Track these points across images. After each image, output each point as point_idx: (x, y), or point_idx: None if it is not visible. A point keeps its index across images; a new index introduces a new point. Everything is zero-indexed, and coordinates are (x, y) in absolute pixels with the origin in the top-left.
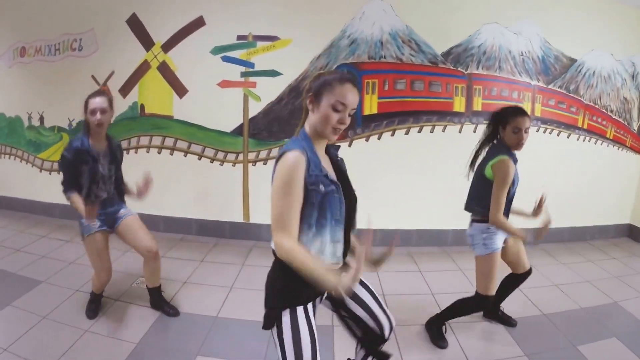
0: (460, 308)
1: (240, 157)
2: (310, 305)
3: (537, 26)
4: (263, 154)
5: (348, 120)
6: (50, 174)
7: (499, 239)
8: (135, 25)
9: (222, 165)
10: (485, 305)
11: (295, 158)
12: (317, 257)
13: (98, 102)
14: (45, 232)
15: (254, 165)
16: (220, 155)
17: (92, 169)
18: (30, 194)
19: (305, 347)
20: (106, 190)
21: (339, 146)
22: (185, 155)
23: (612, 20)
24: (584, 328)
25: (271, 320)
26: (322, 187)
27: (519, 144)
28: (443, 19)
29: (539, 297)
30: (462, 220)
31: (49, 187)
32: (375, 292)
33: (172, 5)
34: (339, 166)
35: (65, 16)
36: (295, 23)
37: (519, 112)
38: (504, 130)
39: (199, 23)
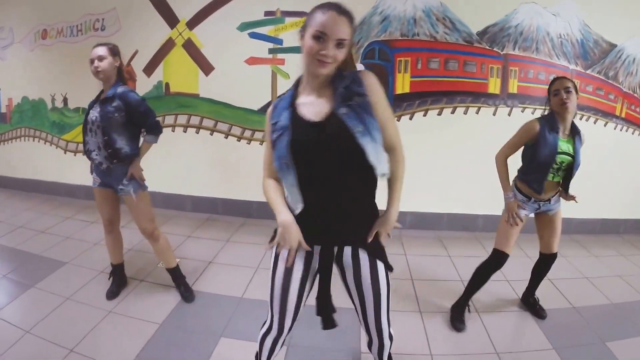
0: (481, 271)
1: None
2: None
3: (577, 8)
4: None
5: (334, 52)
6: (75, 155)
7: (522, 208)
8: (159, 2)
9: (249, 144)
10: (500, 262)
11: (267, 113)
12: (280, 196)
13: (96, 50)
14: (70, 214)
15: None
16: (248, 133)
17: (85, 116)
18: (55, 175)
19: (278, 280)
20: (96, 143)
21: (357, 74)
22: (211, 134)
23: None
24: (614, 324)
25: (272, 239)
26: (274, 135)
27: (562, 105)
28: None
29: (569, 289)
30: (492, 205)
31: (73, 169)
32: (382, 297)
33: None
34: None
35: None
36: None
37: (557, 77)
38: (549, 100)
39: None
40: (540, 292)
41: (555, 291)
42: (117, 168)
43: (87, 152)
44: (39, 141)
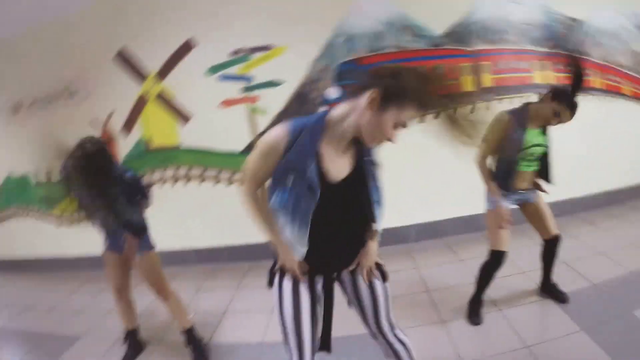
0: (484, 272)
1: None
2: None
3: None
4: None
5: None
6: (69, 227)
7: (504, 202)
8: (125, 59)
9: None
10: (500, 261)
11: (274, 134)
12: (273, 223)
13: None
14: (75, 287)
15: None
16: (237, 176)
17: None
18: (54, 251)
19: (287, 314)
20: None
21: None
22: (200, 183)
23: None
24: (638, 292)
25: (269, 279)
26: (289, 180)
27: (546, 122)
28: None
29: (585, 267)
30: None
31: (70, 241)
32: (379, 303)
33: (159, 33)
34: (361, 169)
35: (53, 65)
36: (287, 29)
37: (571, 105)
38: (546, 101)
39: (189, 45)
40: (557, 276)
41: (572, 272)
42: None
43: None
44: (30, 217)
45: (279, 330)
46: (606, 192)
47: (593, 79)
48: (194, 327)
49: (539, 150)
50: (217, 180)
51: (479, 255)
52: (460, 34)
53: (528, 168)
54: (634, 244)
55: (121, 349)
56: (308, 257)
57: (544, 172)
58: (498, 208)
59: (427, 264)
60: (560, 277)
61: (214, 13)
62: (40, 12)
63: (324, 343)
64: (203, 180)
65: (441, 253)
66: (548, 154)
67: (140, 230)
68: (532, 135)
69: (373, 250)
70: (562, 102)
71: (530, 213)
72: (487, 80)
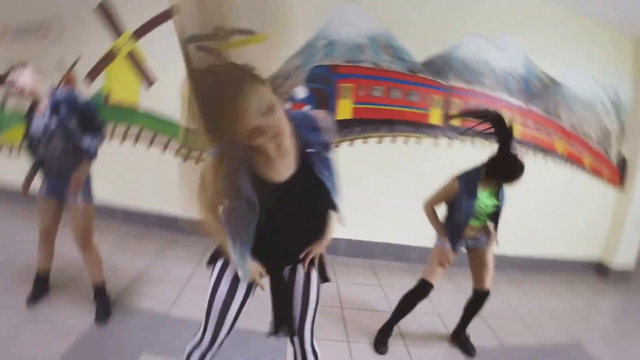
0: (406, 300)
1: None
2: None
3: (522, 44)
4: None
5: (267, 125)
6: (9, 155)
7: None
8: (105, 12)
9: (184, 161)
10: (425, 292)
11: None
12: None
13: (9, 78)
14: None
15: None
16: (185, 149)
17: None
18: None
19: (219, 295)
20: (50, 155)
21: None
22: (148, 147)
23: (598, 46)
24: None
25: (210, 260)
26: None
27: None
28: (425, 27)
29: (500, 326)
30: (428, 238)
31: (9, 170)
32: (309, 309)
33: None
34: (306, 163)
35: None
36: (272, 20)
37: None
38: (502, 166)
39: (171, 12)
40: (470, 327)
41: (485, 328)
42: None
43: (39, 164)
44: None
45: (205, 304)
46: (541, 258)
47: (558, 143)
48: (105, 284)
49: (489, 209)
50: (165, 147)
51: (401, 284)
52: (439, 66)
53: (477, 223)
54: (553, 317)
55: (25, 287)
56: (258, 257)
57: (494, 224)
58: (445, 248)
59: (346, 280)
60: (473, 328)
61: None
62: None
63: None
64: (151, 144)
65: (364, 273)
66: (499, 212)
67: (92, 156)
68: (483, 197)
69: (327, 239)
70: (501, 167)
71: (475, 259)
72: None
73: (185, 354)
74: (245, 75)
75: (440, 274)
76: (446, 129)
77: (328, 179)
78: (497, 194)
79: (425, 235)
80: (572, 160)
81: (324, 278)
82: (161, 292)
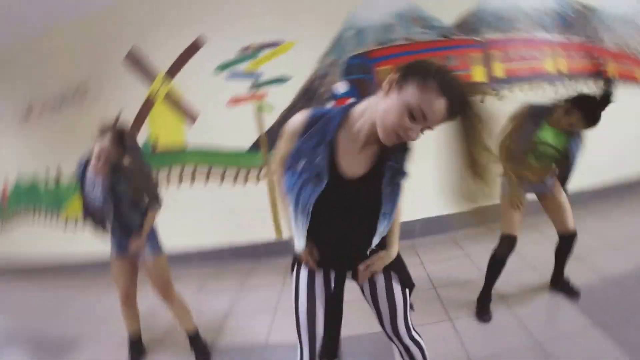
0: (494, 260)
1: (263, 172)
2: (323, 274)
3: None
4: None
5: (416, 136)
6: (74, 233)
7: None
8: (135, 59)
9: (245, 184)
10: (510, 245)
11: (295, 119)
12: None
13: (95, 151)
14: (78, 291)
15: None
16: (242, 174)
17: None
18: (59, 255)
19: (302, 306)
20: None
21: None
22: (206, 182)
23: None
24: None
25: (292, 268)
26: (299, 165)
27: (558, 124)
28: None
29: (596, 261)
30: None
31: (76, 246)
32: (397, 307)
33: (168, 32)
34: (379, 173)
35: (63, 67)
36: (296, 24)
37: (590, 119)
38: (565, 106)
39: (198, 44)
40: (567, 270)
41: (582, 266)
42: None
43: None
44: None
45: (294, 322)
46: (619, 183)
47: (608, 67)
48: (198, 329)
49: (550, 151)
50: (222, 178)
51: (486, 250)
52: (470, 24)
53: (537, 163)
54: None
55: (122, 354)
56: (317, 249)
57: (562, 176)
58: (512, 190)
59: (432, 259)
60: (570, 271)
61: (222, 10)
62: (51, 16)
63: (328, 350)
64: (208, 179)
65: (447, 248)
66: (568, 160)
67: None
68: (548, 135)
69: (382, 256)
70: (581, 113)
71: (547, 205)
72: (499, 70)
73: None
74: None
75: (518, 221)
76: (492, 83)
77: (388, 199)
78: (568, 140)
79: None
80: (627, 78)
81: (409, 284)
82: (254, 323)
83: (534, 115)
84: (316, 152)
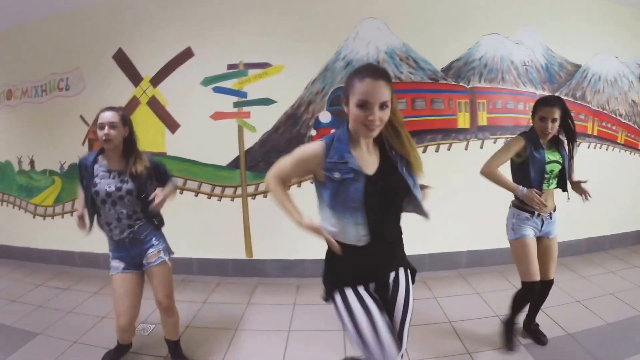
0: (516, 302)
1: (239, 191)
2: (360, 287)
3: (539, 34)
4: (262, 187)
5: (379, 114)
6: (44, 219)
7: (528, 228)
8: (122, 60)
9: (219, 200)
10: (533, 290)
11: (311, 147)
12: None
13: (107, 116)
14: (42, 281)
15: (254, 198)
16: (218, 190)
17: (87, 186)
18: (26, 241)
19: (360, 317)
20: (118, 217)
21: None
22: (181, 193)
23: (615, 24)
24: (612, 345)
25: (327, 297)
26: (336, 175)
27: (543, 132)
28: (440, 34)
29: (561, 315)
30: (475, 241)
31: (44, 233)
32: (408, 311)
33: (158, 38)
34: (388, 162)
35: (50, 56)
36: (286, 49)
37: (546, 102)
38: (533, 119)
39: (187, 54)
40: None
41: (547, 320)
42: (141, 229)
43: (103, 226)
44: (7, 205)
45: (255, 343)
46: (588, 238)
47: (588, 125)
48: (180, 339)
49: (556, 167)
50: (197, 192)
51: (454, 294)
52: (459, 69)
53: (549, 186)
54: (612, 295)
55: (78, 353)
56: (362, 255)
57: (563, 188)
58: (528, 193)
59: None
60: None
61: (214, 25)
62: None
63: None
64: (183, 190)
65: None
66: (565, 170)
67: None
68: (547, 153)
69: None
70: (536, 104)
71: (542, 250)
72: (483, 118)
73: None
74: (387, 74)
75: (535, 265)
76: (476, 131)
77: (408, 176)
78: (560, 152)
79: (470, 240)
80: (606, 138)
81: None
82: (213, 338)
83: (532, 140)
84: (345, 160)
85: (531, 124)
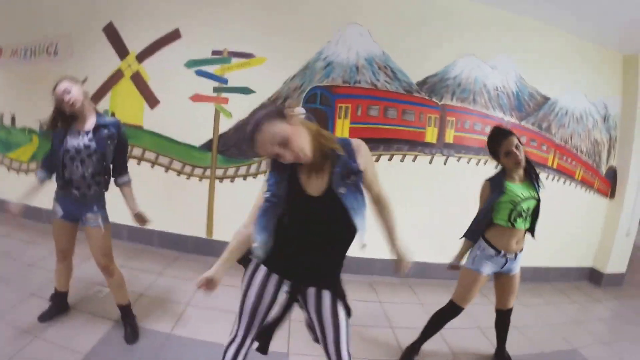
0: (437, 318)
1: (208, 172)
2: (274, 275)
3: (514, 62)
4: (231, 171)
5: (284, 153)
6: (17, 174)
7: (488, 265)
8: (112, 33)
9: (188, 179)
10: (456, 313)
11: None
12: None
13: (60, 87)
14: (7, 231)
15: (221, 181)
16: (188, 169)
17: (57, 145)
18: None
19: (248, 299)
20: (81, 172)
21: (350, 147)
22: (152, 167)
23: (588, 62)
24: None
25: (245, 261)
26: (265, 194)
27: (517, 163)
28: (420, 48)
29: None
30: (426, 252)
31: (16, 187)
32: (341, 329)
33: (149, 16)
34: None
35: (43, 19)
36: (271, 43)
37: (501, 134)
38: (499, 160)
39: (174, 35)
40: (471, 340)
41: (484, 340)
42: (93, 196)
43: (65, 182)
44: None
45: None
46: (535, 267)
47: (549, 157)
48: (130, 304)
49: (532, 203)
50: (167, 168)
51: (399, 301)
52: (433, 85)
53: (523, 225)
54: (550, 326)
55: (34, 305)
56: (280, 259)
57: (531, 227)
58: (478, 273)
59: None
60: (474, 342)
61: (204, 11)
62: None
63: (262, 345)
64: (155, 165)
65: (363, 290)
66: (538, 209)
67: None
68: (519, 189)
69: (403, 252)
70: (494, 144)
71: (503, 283)
72: (450, 135)
73: (223, 352)
74: (266, 115)
75: (472, 298)
76: (442, 147)
77: (351, 200)
78: (534, 187)
79: (421, 251)
80: (564, 173)
81: (349, 313)
82: (164, 309)
83: (495, 183)
84: (280, 183)
85: (499, 168)
